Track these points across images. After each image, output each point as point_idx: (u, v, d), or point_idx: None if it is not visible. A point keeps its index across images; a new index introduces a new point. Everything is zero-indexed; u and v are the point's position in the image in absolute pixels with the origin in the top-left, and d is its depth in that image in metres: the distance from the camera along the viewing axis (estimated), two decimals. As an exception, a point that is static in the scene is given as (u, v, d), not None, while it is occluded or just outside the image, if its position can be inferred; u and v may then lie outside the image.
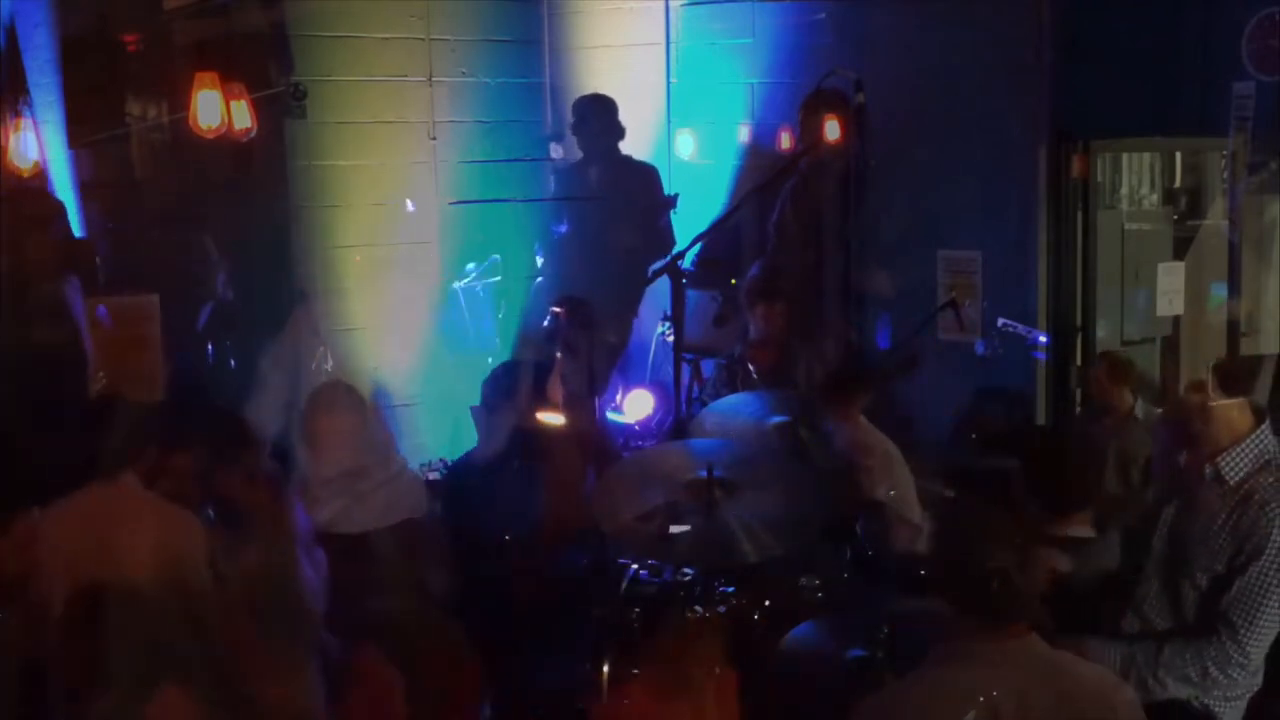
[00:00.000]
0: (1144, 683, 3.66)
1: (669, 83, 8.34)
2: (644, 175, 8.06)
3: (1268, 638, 3.66)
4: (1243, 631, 3.63)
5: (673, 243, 7.66)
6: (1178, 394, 4.11)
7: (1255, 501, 3.69)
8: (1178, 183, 8.31)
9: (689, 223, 7.94)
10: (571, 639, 4.35)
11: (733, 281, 7.66)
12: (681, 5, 8.28)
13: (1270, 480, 3.73)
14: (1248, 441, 3.75)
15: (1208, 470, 3.78)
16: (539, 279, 8.07)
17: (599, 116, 7.88)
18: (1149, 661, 3.67)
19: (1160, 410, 6.26)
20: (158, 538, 4.24)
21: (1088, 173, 6.83)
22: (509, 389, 5.37)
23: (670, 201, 7.93)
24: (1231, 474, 3.75)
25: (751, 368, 6.71)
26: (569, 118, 8.05)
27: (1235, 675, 3.66)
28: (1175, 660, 3.66)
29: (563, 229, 8.01)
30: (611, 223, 7.76)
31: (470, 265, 7.89)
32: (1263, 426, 3.79)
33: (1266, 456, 3.75)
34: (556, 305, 6.97)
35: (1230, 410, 3.79)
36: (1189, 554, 3.77)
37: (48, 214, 7.10)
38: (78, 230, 7.78)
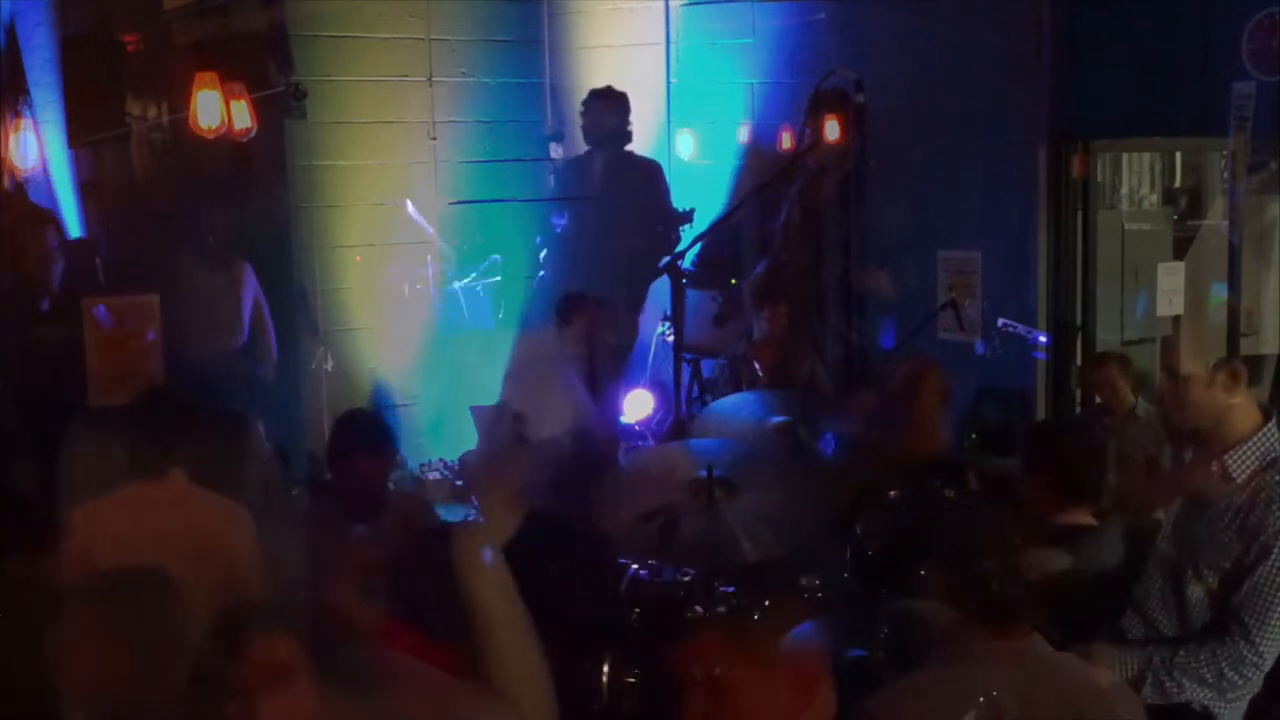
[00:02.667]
0: (1160, 685, 3.65)
1: (669, 83, 8.34)
2: (648, 171, 8.03)
3: None
4: (1255, 632, 3.61)
5: (678, 242, 7.64)
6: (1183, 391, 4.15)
7: (1262, 500, 3.68)
8: (1178, 183, 8.32)
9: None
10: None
11: (733, 281, 7.66)
12: (681, 5, 8.28)
13: (1277, 478, 3.72)
14: (1254, 440, 3.75)
15: (1214, 468, 3.77)
16: (541, 274, 8.05)
17: (611, 112, 7.85)
18: (1165, 664, 3.67)
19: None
20: (209, 532, 4.26)
21: (1088, 173, 6.83)
22: None
23: (687, 216, 7.89)
24: (1238, 472, 3.74)
25: (757, 366, 6.71)
26: (577, 113, 8.03)
27: (1250, 675, 3.65)
28: (1190, 662, 3.65)
29: (563, 222, 7.99)
30: (615, 219, 7.73)
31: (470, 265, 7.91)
32: (1269, 425, 3.78)
33: (1272, 455, 3.74)
34: (564, 302, 6.94)
35: (1236, 408, 3.79)
36: (1194, 552, 3.76)
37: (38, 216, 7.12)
38: (75, 230, 7.79)
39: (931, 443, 5.06)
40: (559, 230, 7.99)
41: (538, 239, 8.08)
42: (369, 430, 4.85)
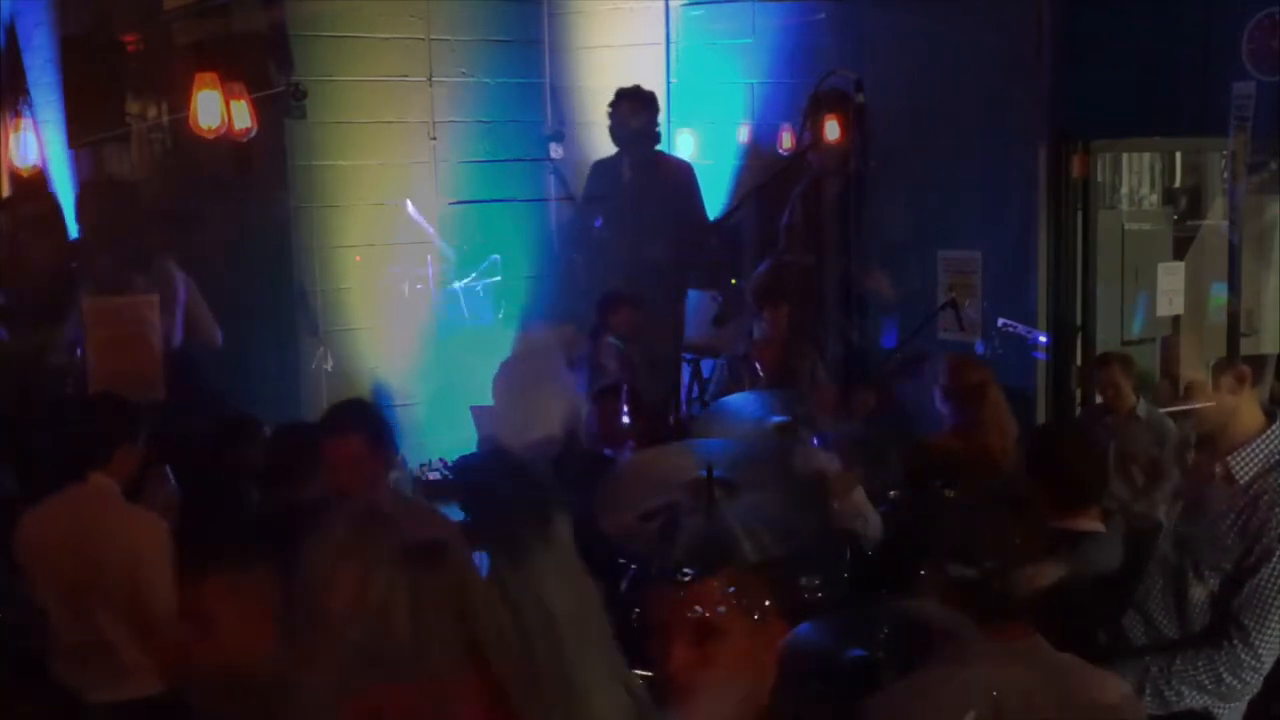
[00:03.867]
0: (1160, 694, 3.64)
1: (669, 83, 8.33)
2: (679, 171, 7.95)
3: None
4: (1254, 634, 3.60)
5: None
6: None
7: (1265, 502, 3.67)
8: (1178, 183, 8.32)
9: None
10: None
11: (733, 281, 7.65)
12: (681, 5, 8.27)
13: (1280, 481, 3.71)
14: (1258, 441, 3.74)
15: (1217, 469, 3.77)
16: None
17: (636, 113, 7.75)
18: (1163, 673, 3.66)
19: (1164, 409, 6.26)
20: (121, 540, 4.27)
21: (1088, 173, 6.83)
22: None
23: (718, 228, 7.79)
24: (1241, 473, 3.73)
25: (758, 366, 6.71)
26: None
27: (1249, 679, 3.63)
28: (1188, 670, 3.63)
29: (598, 224, 7.92)
30: (647, 220, 7.62)
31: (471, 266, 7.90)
32: (1273, 426, 3.78)
33: (1277, 456, 3.74)
34: (604, 305, 6.90)
35: (1242, 408, 3.78)
36: (1196, 553, 3.76)
37: (49, 213, 7.14)
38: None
39: (1008, 439, 5.11)
40: (598, 225, 7.89)
41: (566, 242, 8.02)
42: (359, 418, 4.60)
